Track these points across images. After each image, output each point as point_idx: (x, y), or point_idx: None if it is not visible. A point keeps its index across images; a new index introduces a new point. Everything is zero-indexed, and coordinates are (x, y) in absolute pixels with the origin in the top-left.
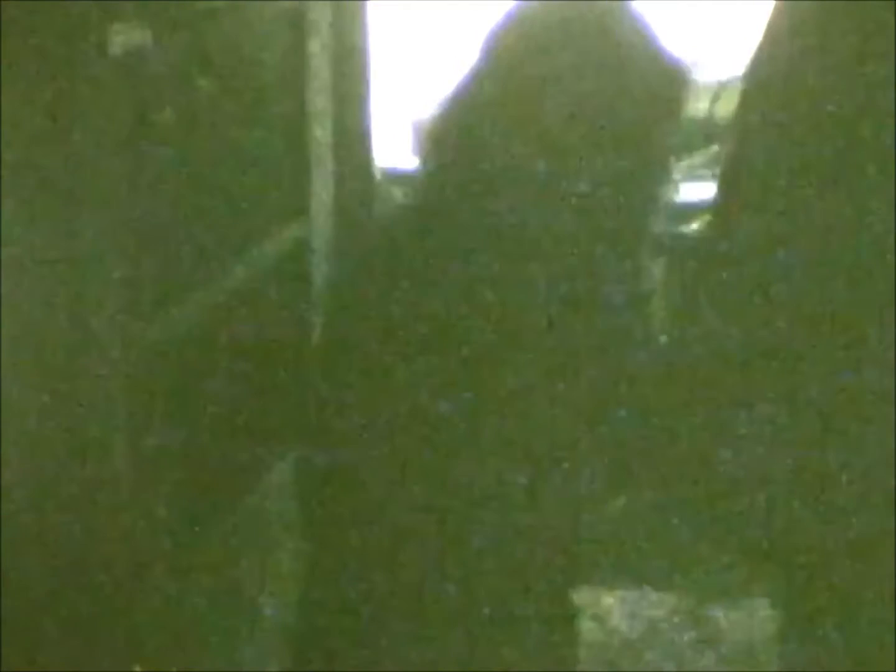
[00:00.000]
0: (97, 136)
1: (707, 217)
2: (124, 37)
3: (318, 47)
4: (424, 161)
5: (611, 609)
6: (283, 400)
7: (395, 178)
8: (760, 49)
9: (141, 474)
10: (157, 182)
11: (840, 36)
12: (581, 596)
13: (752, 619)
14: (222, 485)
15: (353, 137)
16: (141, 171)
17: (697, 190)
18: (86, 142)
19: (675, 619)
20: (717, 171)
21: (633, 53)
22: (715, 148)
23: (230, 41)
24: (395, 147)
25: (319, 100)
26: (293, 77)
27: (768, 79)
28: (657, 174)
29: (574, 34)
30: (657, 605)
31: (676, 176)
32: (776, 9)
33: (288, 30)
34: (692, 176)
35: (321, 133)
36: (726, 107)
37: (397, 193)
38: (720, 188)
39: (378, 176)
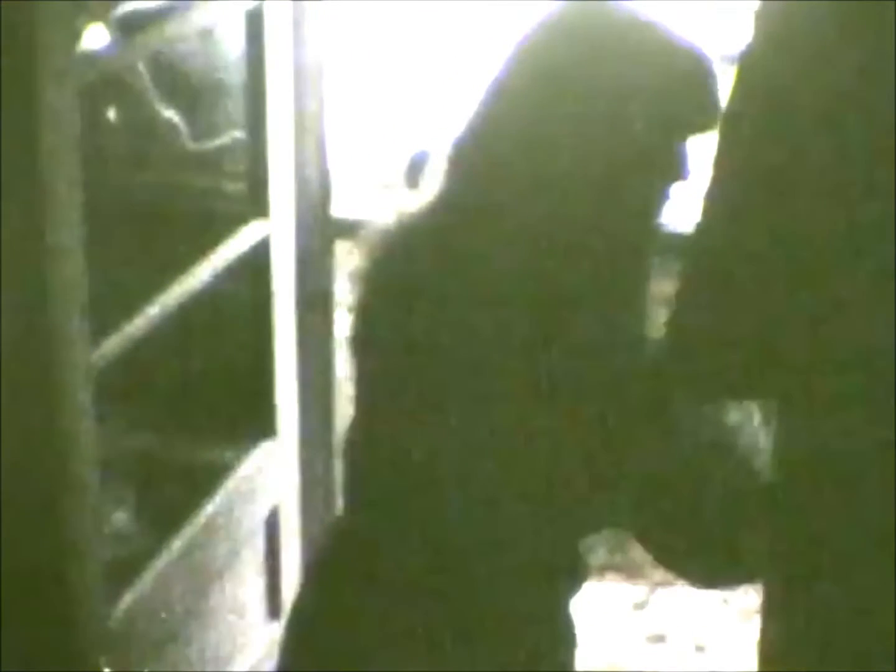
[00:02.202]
0: (60, 139)
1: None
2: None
3: (276, 53)
4: (453, 178)
5: None
6: (245, 397)
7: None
8: (751, 46)
9: (108, 476)
10: (118, 183)
11: (836, 32)
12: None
13: (703, 613)
14: (188, 484)
15: (310, 142)
16: (100, 172)
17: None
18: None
19: (628, 612)
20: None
21: (663, 64)
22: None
23: (189, 46)
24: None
25: (278, 105)
26: (252, 83)
27: (758, 76)
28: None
29: (605, 42)
30: (610, 596)
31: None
32: (765, 6)
33: (247, 35)
34: None
35: (280, 136)
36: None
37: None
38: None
39: (334, 178)
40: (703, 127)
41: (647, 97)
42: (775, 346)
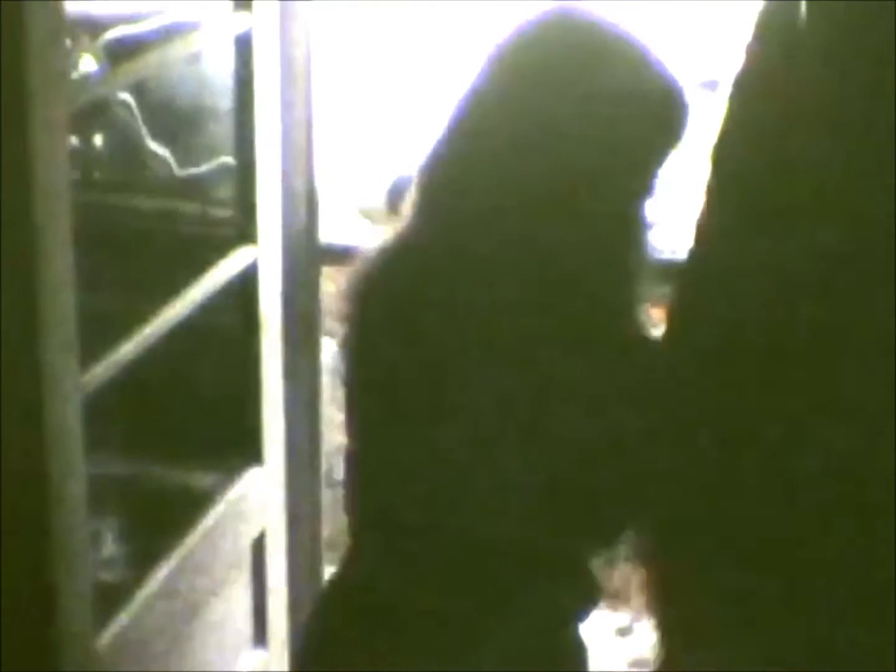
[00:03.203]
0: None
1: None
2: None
3: (264, 79)
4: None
5: None
6: (232, 423)
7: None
8: (742, 72)
9: (95, 501)
10: (106, 209)
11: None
12: None
13: None
14: (175, 510)
15: (298, 169)
16: (89, 198)
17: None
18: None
19: (612, 638)
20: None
21: (635, 82)
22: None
23: (177, 72)
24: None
25: (266, 130)
26: (241, 108)
27: (749, 102)
28: (643, 198)
29: (576, 59)
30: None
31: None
32: (755, 34)
33: (235, 61)
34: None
35: (268, 162)
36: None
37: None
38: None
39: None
40: (670, 145)
41: (615, 116)
42: (767, 369)
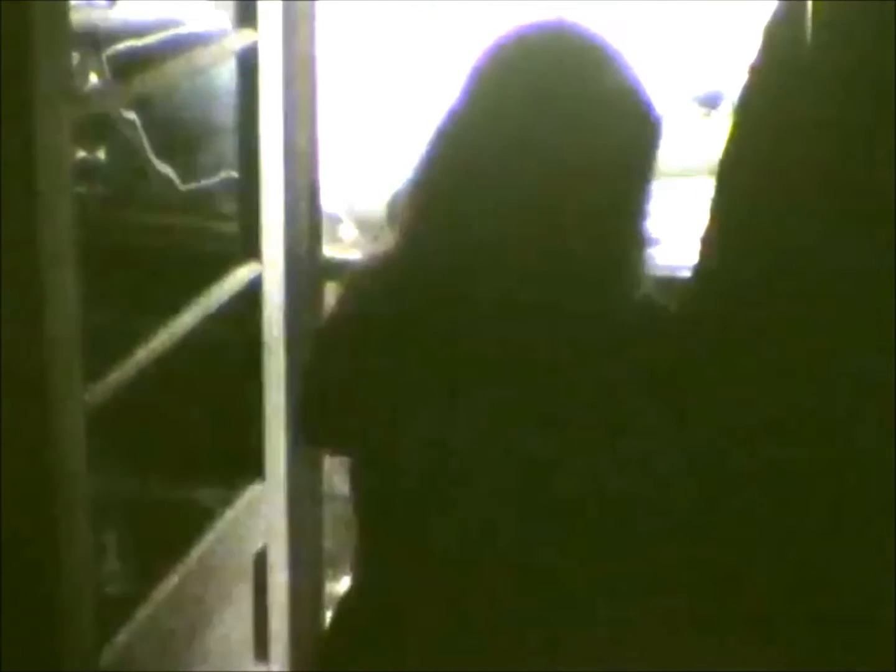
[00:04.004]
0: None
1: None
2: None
3: (269, 93)
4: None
5: None
6: (234, 440)
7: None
8: (747, 93)
9: (96, 517)
10: (108, 224)
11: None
12: None
13: None
14: (176, 526)
15: (302, 185)
16: (93, 213)
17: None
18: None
19: None
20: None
21: (612, 100)
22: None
23: (183, 89)
24: (339, 191)
25: (270, 144)
26: (244, 125)
27: (755, 123)
28: (636, 216)
29: (554, 78)
30: None
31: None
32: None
33: (239, 75)
34: None
35: (272, 177)
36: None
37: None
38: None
39: (325, 219)
40: (644, 159)
41: (588, 130)
42: (768, 387)
